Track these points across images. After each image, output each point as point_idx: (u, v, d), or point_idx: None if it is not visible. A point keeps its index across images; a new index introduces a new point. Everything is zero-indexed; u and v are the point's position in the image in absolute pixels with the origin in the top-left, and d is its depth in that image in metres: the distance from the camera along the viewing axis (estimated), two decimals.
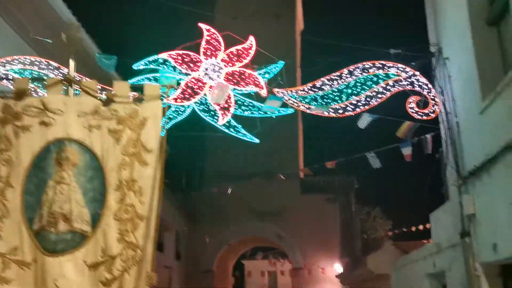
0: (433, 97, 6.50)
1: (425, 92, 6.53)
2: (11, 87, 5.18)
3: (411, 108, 6.53)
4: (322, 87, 6.62)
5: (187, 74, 6.53)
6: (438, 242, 7.24)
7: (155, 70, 6.60)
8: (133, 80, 6.66)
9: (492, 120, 5.15)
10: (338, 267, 21.24)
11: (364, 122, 6.43)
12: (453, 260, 6.48)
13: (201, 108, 6.47)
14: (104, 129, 3.69)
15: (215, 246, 22.86)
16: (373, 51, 7.15)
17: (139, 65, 6.66)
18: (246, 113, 6.50)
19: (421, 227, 13.96)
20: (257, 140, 6.51)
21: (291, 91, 6.59)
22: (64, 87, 5.09)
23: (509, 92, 4.73)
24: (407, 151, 7.20)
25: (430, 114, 6.51)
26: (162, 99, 5.13)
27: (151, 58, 6.60)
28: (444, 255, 6.92)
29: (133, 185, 2.80)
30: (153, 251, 2.69)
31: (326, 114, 6.44)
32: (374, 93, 6.51)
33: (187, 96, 6.48)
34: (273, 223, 22.66)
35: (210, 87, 6.45)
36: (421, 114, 6.52)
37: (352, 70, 6.60)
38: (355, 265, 17.21)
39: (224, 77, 6.52)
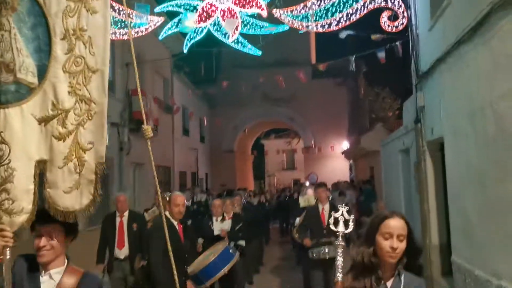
0: (402, 12, 8.01)
1: (395, 8, 8.03)
2: None
3: (384, 21, 8.08)
4: (312, 6, 8.15)
5: (202, 0, 8.11)
6: (406, 125, 9.21)
7: None
8: (160, 7, 8.30)
9: (435, 36, 6.77)
10: (345, 145, 23.62)
11: (343, 33, 8.03)
12: (413, 139, 8.49)
13: (215, 28, 8.15)
14: None
15: (235, 129, 25.45)
16: None
17: None
18: (251, 31, 8.16)
19: None
20: (259, 53, 8.26)
21: (287, 11, 8.13)
22: None
23: (444, 15, 6.30)
24: (381, 55, 8.89)
25: (398, 26, 8.07)
26: None
27: None
28: (408, 136, 8.93)
29: (82, 35, 2.37)
30: (106, 104, 2.46)
31: (314, 30, 8.04)
32: (354, 10, 8.03)
33: (203, 18, 8.13)
34: (285, 107, 24.79)
35: (222, 10, 8.06)
36: (391, 26, 8.08)
37: None
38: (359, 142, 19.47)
39: (232, 1, 8.08)
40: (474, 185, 5.56)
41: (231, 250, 6.24)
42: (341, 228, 2.37)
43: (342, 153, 22.72)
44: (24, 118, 2.27)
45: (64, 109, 2.31)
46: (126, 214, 6.47)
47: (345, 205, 2.52)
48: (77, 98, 2.34)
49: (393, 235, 2.13)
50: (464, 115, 5.66)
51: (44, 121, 2.31)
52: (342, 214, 2.40)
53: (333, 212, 2.43)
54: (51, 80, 2.33)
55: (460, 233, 6.28)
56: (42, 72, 2.36)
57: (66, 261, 2.35)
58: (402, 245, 2.14)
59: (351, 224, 2.37)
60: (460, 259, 6.21)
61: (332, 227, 2.39)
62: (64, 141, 2.29)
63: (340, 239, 2.33)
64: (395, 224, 2.16)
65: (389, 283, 2.16)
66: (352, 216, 2.41)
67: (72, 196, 2.27)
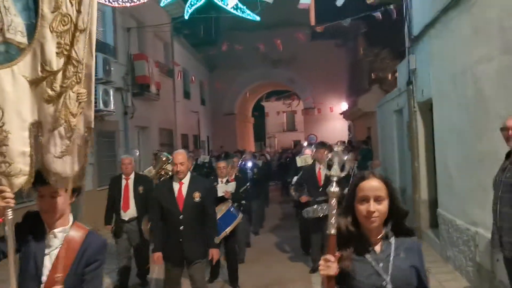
0: None
1: None
2: None
3: None
4: None
5: None
6: (399, 87, 9.57)
7: None
8: None
9: (426, 0, 7.05)
10: (344, 106, 23.95)
11: (340, 1, 8.29)
12: (406, 100, 8.88)
13: None
14: None
15: (235, 92, 25.74)
16: None
17: None
18: None
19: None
20: (258, 18, 8.54)
21: None
22: None
23: None
24: (377, 15, 9.19)
25: None
26: None
27: None
28: (401, 97, 9.31)
29: None
30: (94, 67, 2.37)
31: None
32: None
33: None
34: (285, 69, 24.99)
35: None
36: None
37: None
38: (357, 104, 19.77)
39: None
40: (455, 143, 6.01)
41: (233, 211, 6.39)
42: (335, 171, 1.96)
43: (341, 114, 23.10)
44: (16, 80, 2.16)
45: (52, 70, 2.20)
46: (131, 176, 6.46)
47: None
48: (65, 60, 2.21)
49: (369, 198, 1.94)
50: (448, 78, 6.04)
51: (35, 83, 2.20)
52: (337, 154, 1.97)
53: (326, 151, 1.98)
54: (40, 40, 2.20)
55: (444, 188, 6.78)
56: (31, 31, 2.22)
57: (70, 219, 2.43)
58: (381, 207, 1.94)
59: (346, 167, 1.97)
60: (444, 212, 6.74)
61: (326, 171, 1.98)
62: (53, 105, 2.20)
63: (334, 184, 1.94)
64: (370, 186, 1.96)
65: (377, 248, 2.00)
66: (349, 156, 2.03)
67: (64, 161, 2.23)
